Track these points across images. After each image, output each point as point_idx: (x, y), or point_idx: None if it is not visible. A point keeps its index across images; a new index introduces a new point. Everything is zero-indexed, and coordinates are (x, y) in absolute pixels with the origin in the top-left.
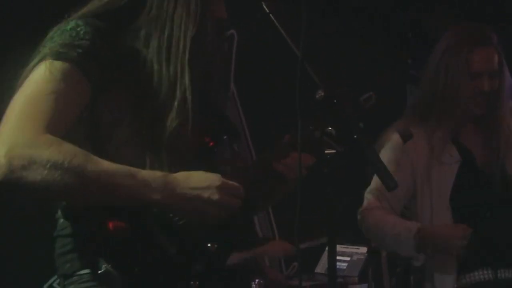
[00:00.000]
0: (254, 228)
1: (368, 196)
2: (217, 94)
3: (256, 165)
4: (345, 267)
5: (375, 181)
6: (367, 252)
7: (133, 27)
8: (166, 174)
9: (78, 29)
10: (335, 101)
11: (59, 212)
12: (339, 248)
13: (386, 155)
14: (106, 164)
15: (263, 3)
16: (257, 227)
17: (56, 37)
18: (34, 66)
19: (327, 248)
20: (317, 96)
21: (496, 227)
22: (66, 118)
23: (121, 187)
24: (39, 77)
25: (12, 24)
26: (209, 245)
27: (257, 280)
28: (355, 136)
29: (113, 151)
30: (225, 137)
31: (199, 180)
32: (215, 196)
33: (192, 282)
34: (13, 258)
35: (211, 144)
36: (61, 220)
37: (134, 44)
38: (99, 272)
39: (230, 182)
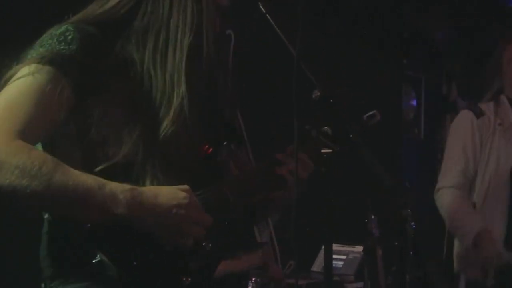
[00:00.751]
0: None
1: (442, 173)
2: (222, 100)
3: (257, 171)
4: (341, 266)
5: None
6: (363, 251)
7: (128, 34)
8: (134, 187)
9: (67, 33)
10: (331, 101)
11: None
12: (335, 247)
13: (457, 130)
14: (75, 174)
15: (259, 3)
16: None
17: (45, 41)
18: (19, 68)
19: (323, 247)
20: (313, 96)
21: None
22: (45, 123)
23: (87, 198)
24: (21, 81)
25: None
26: (203, 244)
27: (253, 279)
28: (351, 136)
29: (104, 155)
30: (224, 143)
31: (167, 196)
32: (182, 212)
33: (184, 278)
34: (13, 258)
35: (209, 151)
36: (47, 216)
37: (128, 51)
38: (94, 262)
39: (199, 204)
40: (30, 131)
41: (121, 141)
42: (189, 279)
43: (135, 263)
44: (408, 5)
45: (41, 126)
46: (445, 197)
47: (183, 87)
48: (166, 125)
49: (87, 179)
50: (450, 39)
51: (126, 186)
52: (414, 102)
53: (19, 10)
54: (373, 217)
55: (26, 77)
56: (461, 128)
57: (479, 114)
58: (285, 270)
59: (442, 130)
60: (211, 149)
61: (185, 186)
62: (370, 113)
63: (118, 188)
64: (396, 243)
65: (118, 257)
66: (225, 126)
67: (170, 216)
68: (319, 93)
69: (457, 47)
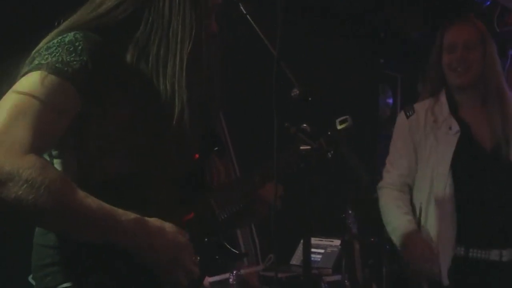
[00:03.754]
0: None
1: (384, 173)
2: (211, 107)
3: (236, 187)
4: (319, 259)
5: (389, 157)
6: (341, 244)
7: (132, 42)
8: (141, 219)
9: (76, 43)
10: (309, 99)
11: None
12: (313, 241)
13: (394, 132)
14: (81, 196)
15: (240, 4)
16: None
17: (53, 49)
18: (27, 73)
19: (302, 241)
20: (292, 94)
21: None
22: (54, 133)
23: (95, 223)
24: (32, 88)
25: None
26: (193, 258)
27: (234, 272)
28: (329, 133)
29: (101, 167)
30: (210, 151)
31: (170, 236)
32: (180, 258)
33: None
34: (13, 258)
35: (196, 156)
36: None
37: (131, 60)
38: (86, 282)
39: (192, 256)
40: (42, 142)
41: (120, 151)
42: None
43: (126, 278)
44: (384, 5)
45: (52, 137)
46: (382, 196)
47: (184, 96)
48: (167, 134)
49: (92, 203)
50: (425, 39)
51: (135, 217)
52: (390, 100)
53: (19, 11)
54: (350, 212)
55: (37, 86)
56: (395, 130)
57: (410, 114)
58: (264, 263)
59: None
60: (197, 155)
61: (183, 231)
62: (342, 117)
63: (126, 217)
64: (372, 237)
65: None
66: (211, 134)
67: (168, 259)
68: (297, 92)
69: (432, 46)
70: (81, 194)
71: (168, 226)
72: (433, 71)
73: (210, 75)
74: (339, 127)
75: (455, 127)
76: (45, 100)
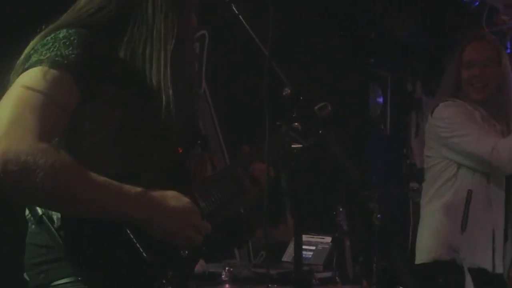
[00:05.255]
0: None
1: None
2: (191, 102)
3: (224, 176)
4: (310, 256)
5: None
6: (332, 241)
7: (120, 40)
8: (146, 190)
9: (71, 38)
10: (301, 98)
11: (30, 216)
12: (305, 238)
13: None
14: (95, 177)
15: (232, 4)
16: None
17: (50, 44)
18: (26, 69)
19: (293, 238)
20: (284, 93)
21: None
22: (59, 125)
23: (108, 200)
24: (35, 83)
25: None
26: (181, 252)
27: (226, 268)
28: (320, 131)
29: (93, 159)
30: (193, 145)
31: (174, 200)
32: (188, 217)
33: (165, 287)
34: (13, 258)
35: (179, 152)
36: (33, 226)
37: (122, 56)
38: (78, 278)
39: (199, 214)
40: (48, 133)
41: (111, 147)
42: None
43: (118, 275)
44: (374, 6)
45: (57, 128)
46: (504, 144)
47: (169, 92)
48: (155, 129)
49: (106, 181)
50: (415, 39)
51: (140, 189)
52: (380, 99)
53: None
54: (341, 209)
55: (39, 80)
56: (462, 110)
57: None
58: (256, 260)
59: (408, 126)
60: (181, 150)
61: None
62: (321, 104)
63: (134, 190)
64: (363, 234)
65: (101, 272)
66: (193, 127)
67: (176, 219)
68: (289, 91)
69: (422, 47)
70: (93, 175)
71: (170, 192)
72: (450, 85)
73: (190, 71)
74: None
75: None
76: (49, 93)
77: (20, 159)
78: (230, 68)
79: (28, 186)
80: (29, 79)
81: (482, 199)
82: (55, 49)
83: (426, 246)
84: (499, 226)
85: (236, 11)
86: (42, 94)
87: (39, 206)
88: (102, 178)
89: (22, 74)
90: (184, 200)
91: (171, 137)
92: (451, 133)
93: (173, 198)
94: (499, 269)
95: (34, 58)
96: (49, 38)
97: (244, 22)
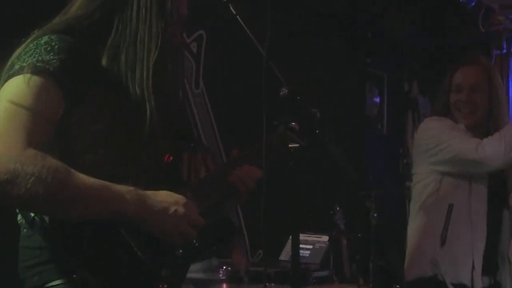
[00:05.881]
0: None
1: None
2: (177, 107)
3: (210, 179)
4: (307, 255)
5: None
6: (329, 240)
7: (103, 47)
8: (135, 188)
9: (53, 43)
10: (298, 98)
11: (22, 220)
12: (302, 236)
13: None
14: (85, 178)
15: (230, 5)
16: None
17: (31, 51)
18: (10, 77)
19: (290, 237)
20: (281, 93)
21: None
22: (46, 131)
23: (99, 199)
24: (18, 91)
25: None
26: (175, 251)
27: (224, 267)
28: (317, 131)
29: (80, 160)
30: (183, 153)
31: (166, 196)
32: (181, 210)
33: (160, 286)
34: (12, 258)
35: (170, 160)
36: (25, 230)
37: (105, 63)
38: (73, 279)
39: (194, 207)
40: (35, 139)
41: (97, 152)
42: (165, 286)
43: (112, 275)
44: (371, 6)
45: (44, 133)
46: (488, 140)
47: (152, 102)
48: (140, 136)
49: (95, 182)
50: (411, 39)
51: (129, 187)
52: (377, 99)
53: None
54: (338, 208)
55: (22, 87)
56: (446, 122)
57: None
58: (254, 258)
59: (404, 125)
60: (171, 158)
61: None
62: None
63: (123, 189)
64: (360, 233)
65: (97, 274)
66: (183, 131)
67: (169, 214)
68: (286, 91)
69: (418, 47)
70: (83, 176)
71: (162, 191)
72: (439, 108)
73: (176, 82)
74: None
75: None
76: (32, 100)
77: (9, 168)
78: (227, 68)
79: (19, 193)
80: (12, 88)
81: (463, 213)
82: (36, 55)
83: (411, 263)
84: (479, 240)
85: (234, 12)
86: (26, 102)
87: (34, 212)
88: (92, 179)
89: (6, 83)
90: (177, 196)
91: (156, 145)
92: (436, 141)
93: (165, 194)
94: (478, 285)
95: (17, 66)
96: (31, 45)
97: (241, 22)
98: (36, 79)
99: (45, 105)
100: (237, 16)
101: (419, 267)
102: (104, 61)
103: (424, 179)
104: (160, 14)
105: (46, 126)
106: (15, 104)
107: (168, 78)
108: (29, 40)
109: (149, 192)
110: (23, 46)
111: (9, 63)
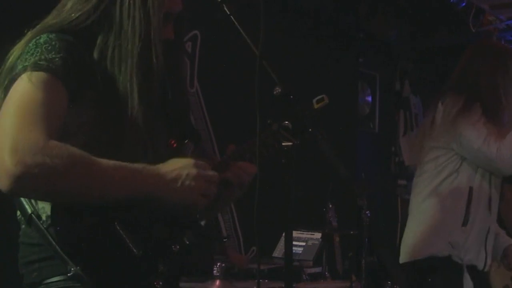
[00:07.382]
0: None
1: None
2: (177, 100)
3: None
4: (301, 252)
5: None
6: (321, 237)
7: (95, 45)
8: (145, 164)
9: (53, 42)
10: (291, 96)
11: (20, 216)
12: (295, 234)
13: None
14: (103, 161)
15: (224, 5)
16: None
17: (32, 50)
18: (14, 79)
19: (284, 234)
20: (274, 92)
21: None
22: (57, 124)
23: (121, 178)
24: (25, 88)
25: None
26: (172, 246)
27: (218, 264)
28: (310, 130)
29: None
30: (186, 141)
31: (174, 163)
32: (194, 171)
33: (155, 282)
34: (12, 258)
35: (174, 145)
36: (23, 226)
37: (97, 60)
38: (68, 275)
39: (204, 164)
40: (51, 132)
41: (91, 148)
42: (160, 283)
43: (108, 271)
44: (363, 7)
45: (55, 127)
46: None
47: (135, 95)
48: (128, 132)
49: (115, 163)
50: (402, 39)
51: (142, 164)
52: (369, 98)
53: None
54: (331, 206)
55: (27, 84)
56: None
57: None
58: (247, 255)
59: (396, 124)
60: (175, 144)
61: None
62: (319, 96)
63: (139, 166)
64: (352, 231)
65: (92, 269)
66: (182, 123)
67: (184, 179)
68: (279, 90)
69: (409, 46)
70: (104, 160)
71: (167, 162)
72: (426, 126)
73: (169, 75)
74: (316, 106)
75: None
76: (42, 95)
77: (38, 161)
78: (221, 68)
79: (55, 186)
80: (19, 87)
81: (482, 196)
82: (38, 54)
83: (425, 242)
84: (493, 223)
85: (228, 11)
86: (35, 97)
87: (66, 201)
88: (110, 161)
89: (14, 84)
90: (183, 160)
91: (142, 137)
92: (468, 142)
93: (172, 162)
94: (488, 268)
95: (19, 66)
96: (30, 44)
97: (235, 22)
98: (40, 75)
99: (54, 100)
100: (231, 16)
101: (434, 246)
102: (96, 59)
103: (445, 154)
104: (143, 8)
105: (57, 120)
106: (26, 100)
107: (155, 75)
108: (25, 40)
109: (158, 165)
110: (20, 46)
111: (7, 64)
